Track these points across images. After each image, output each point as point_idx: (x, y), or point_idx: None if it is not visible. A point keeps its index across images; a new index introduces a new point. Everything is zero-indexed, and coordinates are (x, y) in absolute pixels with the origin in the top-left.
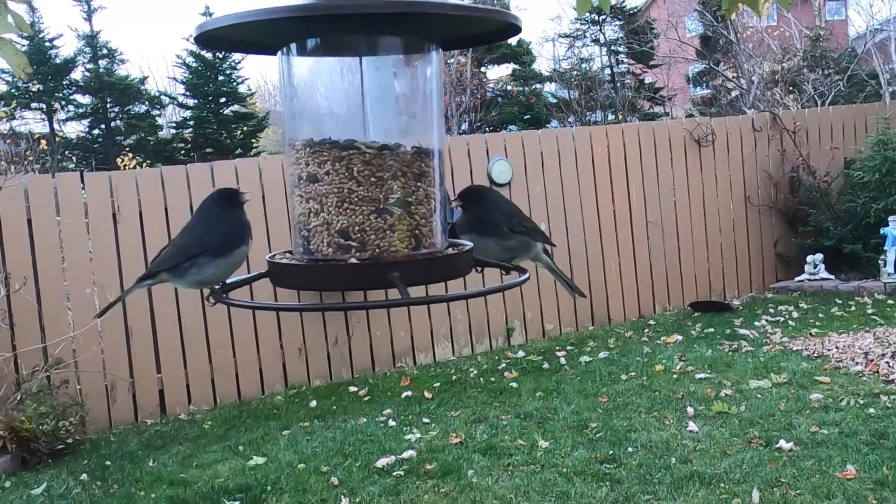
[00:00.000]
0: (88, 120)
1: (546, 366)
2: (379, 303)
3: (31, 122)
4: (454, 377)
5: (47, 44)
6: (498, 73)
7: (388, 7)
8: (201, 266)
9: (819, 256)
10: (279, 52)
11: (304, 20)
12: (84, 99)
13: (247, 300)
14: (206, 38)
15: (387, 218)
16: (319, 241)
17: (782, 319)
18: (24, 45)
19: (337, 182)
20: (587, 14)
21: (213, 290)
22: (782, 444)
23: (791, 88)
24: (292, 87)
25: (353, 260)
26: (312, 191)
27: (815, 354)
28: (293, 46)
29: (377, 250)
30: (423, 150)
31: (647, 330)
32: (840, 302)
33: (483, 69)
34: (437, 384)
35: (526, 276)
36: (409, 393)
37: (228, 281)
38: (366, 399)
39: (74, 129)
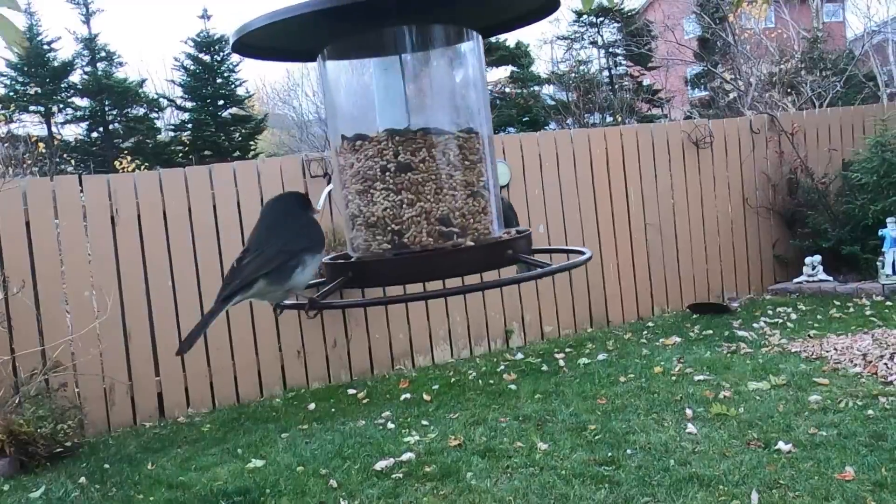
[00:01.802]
0: (87, 123)
1: (545, 368)
2: (459, 289)
3: (30, 125)
4: (453, 379)
5: (45, 47)
6: (496, 75)
7: None
8: (306, 264)
9: (817, 258)
10: (322, 54)
11: (347, 11)
12: (82, 102)
13: (337, 299)
14: (245, 47)
15: (480, 201)
16: (417, 231)
17: (781, 321)
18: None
19: (434, 169)
20: (585, 16)
21: (310, 300)
22: (781, 445)
23: (789, 90)
24: (347, 84)
25: (470, 243)
26: (405, 180)
27: (814, 356)
28: (342, 43)
29: (476, 234)
30: (490, 135)
31: (645, 332)
32: (838, 303)
33: None
34: (436, 386)
35: (587, 255)
36: (408, 395)
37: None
38: (364, 401)
39: (73, 132)
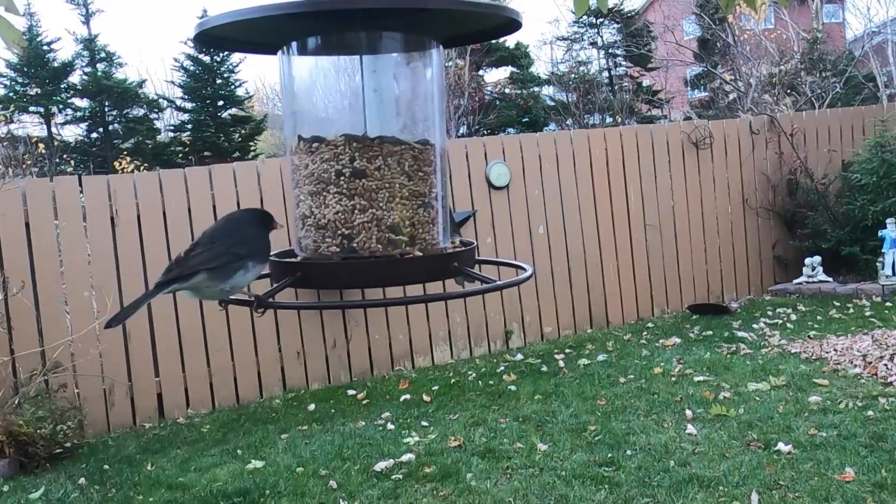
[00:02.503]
0: (86, 123)
1: (544, 369)
2: (433, 296)
3: (29, 125)
4: (453, 380)
5: (45, 47)
6: (496, 76)
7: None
8: (248, 269)
9: (817, 259)
10: (284, 50)
11: (312, 16)
12: (82, 102)
13: (291, 300)
14: (209, 37)
15: (430, 212)
16: (367, 237)
17: (780, 322)
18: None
19: (388, 177)
20: (585, 17)
21: (258, 298)
22: (781, 446)
23: (789, 91)
24: (310, 84)
25: (418, 253)
26: (359, 186)
27: (814, 357)
28: (306, 43)
29: (424, 244)
30: (444, 147)
31: (645, 333)
32: (838, 304)
33: (481, 72)
34: (436, 387)
35: (530, 271)
36: (408, 396)
37: (241, 290)
38: (364, 402)
39: (72, 133)
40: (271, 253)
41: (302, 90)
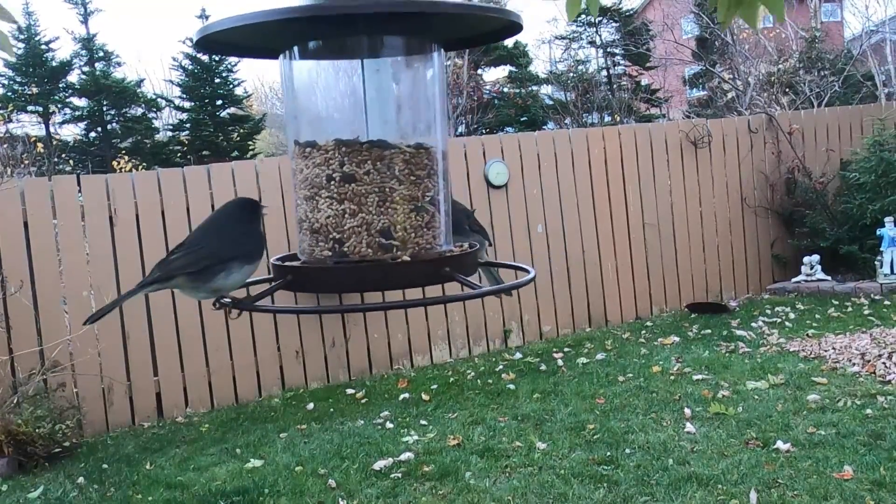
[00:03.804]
0: (85, 123)
1: (543, 367)
2: (411, 301)
3: (28, 125)
4: (451, 379)
5: (43, 47)
6: (494, 75)
7: (407, 7)
8: (231, 271)
9: (815, 258)
10: (285, 54)
11: (313, 20)
12: (80, 102)
13: (267, 304)
14: (209, 42)
15: (424, 216)
16: (357, 241)
17: (779, 320)
18: (19, 49)
19: (378, 181)
20: (583, 17)
21: (235, 300)
22: (779, 444)
23: (787, 90)
24: (307, 88)
25: (406, 258)
26: (349, 191)
27: (812, 355)
28: (304, 48)
29: (417, 248)
30: (444, 150)
31: (644, 331)
32: (837, 303)
33: (480, 71)
34: (435, 386)
35: (532, 275)
36: (407, 395)
37: (236, 291)
38: (363, 401)
39: (71, 132)
40: (265, 248)
41: (301, 94)
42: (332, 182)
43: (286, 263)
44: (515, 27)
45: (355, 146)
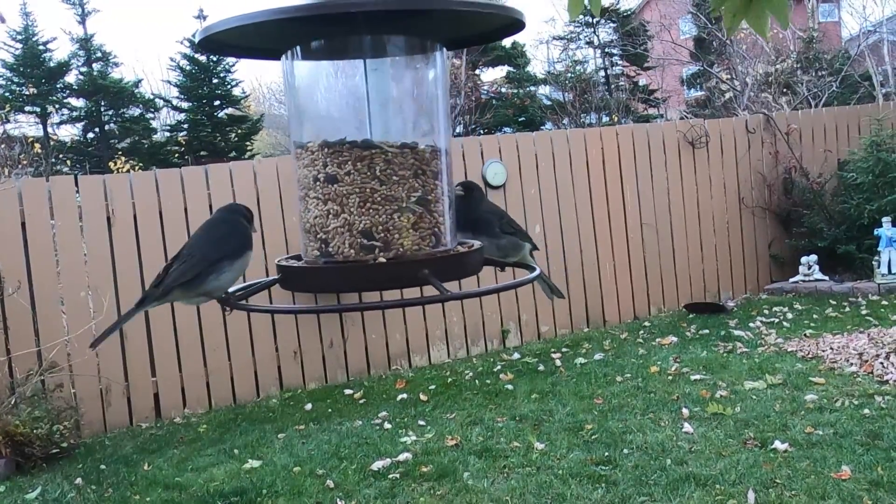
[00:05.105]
0: (82, 123)
1: (541, 368)
2: (406, 301)
3: (25, 125)
4: (449, 379)
5: (41, 47)
6: (492, 75)
7: (406, 4)
8: (222, 271)
9: (813, 258)
10: (284, 55)
11: (309, 20)
12: (78, 102)
13: (263, 304)
14: (210, 43)
15: (409, 216)
16: (340, 242)
17: (777, 320)
18: (17, 50)
19: (359, 182)
20: (581, 17)
21: (226, 298)
22: (777, 445)
23: (784, 90)
24: (300, 89)
25: (382, 259)
26: (332, 192)
27: (810, 355)
28: (299, 49)
29: (401, 249)
30: (437, 149)
31: (641, 331)
32: (834, 303)
33: (477, 71)
34: (433, 386)
35: (536, 272)
36: (405, 395)
37: (234, 288)
38: (361, 402)
39: (68, 133)
40: (252, 243)
41: (301, 96)
42: (318, 183)
43: (284, 263)
44: (518, 24)
45: (336, 147)
